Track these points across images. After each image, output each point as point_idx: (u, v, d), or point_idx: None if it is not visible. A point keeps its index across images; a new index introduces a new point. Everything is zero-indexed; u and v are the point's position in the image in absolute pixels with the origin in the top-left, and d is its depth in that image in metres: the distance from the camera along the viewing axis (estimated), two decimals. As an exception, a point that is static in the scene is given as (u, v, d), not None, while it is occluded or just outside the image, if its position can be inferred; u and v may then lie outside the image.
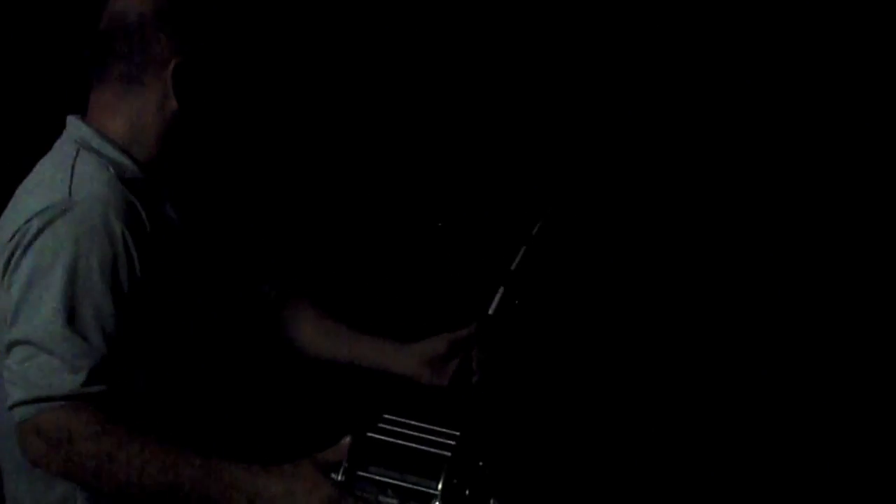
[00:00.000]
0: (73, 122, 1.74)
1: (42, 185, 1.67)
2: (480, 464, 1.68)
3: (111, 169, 1.66)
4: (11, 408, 1.55)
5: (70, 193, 1.61)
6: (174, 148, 1.72)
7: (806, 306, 2.95)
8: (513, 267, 2.05)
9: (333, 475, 1.55)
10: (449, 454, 1.60)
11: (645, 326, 2.99)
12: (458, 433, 1.67)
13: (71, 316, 1.55)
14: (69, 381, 1.53)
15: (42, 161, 1.74)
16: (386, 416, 1.70)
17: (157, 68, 1.67)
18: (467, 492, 1.63)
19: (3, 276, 1.62)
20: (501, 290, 2.04)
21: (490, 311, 2.03)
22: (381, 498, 1.56)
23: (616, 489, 2.90)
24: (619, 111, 2.96)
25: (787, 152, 2.94)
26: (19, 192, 1.72)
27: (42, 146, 1.77)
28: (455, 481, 1.59)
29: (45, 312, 1.55)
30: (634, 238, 2.99)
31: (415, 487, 1.56)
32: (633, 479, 2.92)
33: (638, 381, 2.98)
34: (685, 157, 2.97)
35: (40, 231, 1.58)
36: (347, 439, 1.57)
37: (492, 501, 1.68)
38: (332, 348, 2.06)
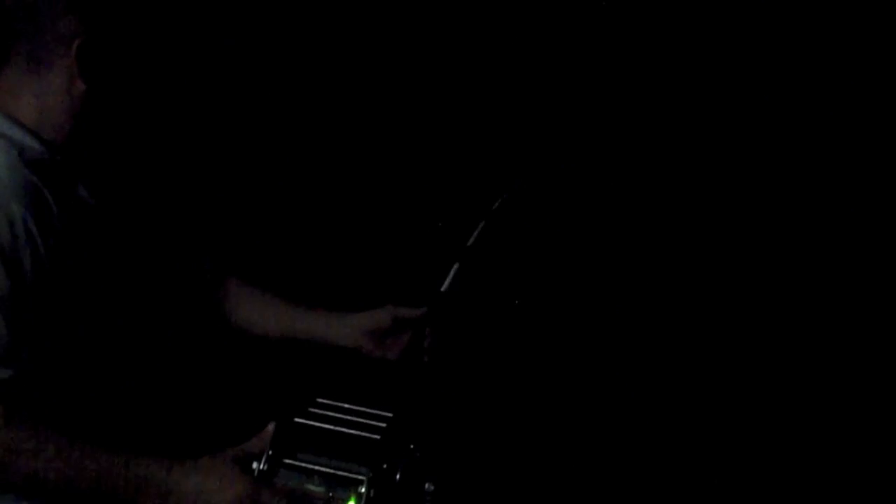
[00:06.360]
0: None
1: None
2: (412, 447, 1.63)
3: (14, 151, 1.63)
4: None
5: None
6: (85, 128, 1.69)
7: (804, 304, 2.85)
8: (469, 243, 2.00)
9: (256, 464, 1.51)
10: (378, 437, 1.55)
11: (599, 315, 2.89)
12: (390, 415, 1.62)
13: None
14: None
15: None
16: (319, 400, 1.65)
17: (62, 48, 1.64)
18: (398, 476, 1.57)
19: None
20: (456, 266, 1.99)
21: (443, 288, 1.98)
22: (307, 486, 1.51)
23: (554, 471, 2.82)
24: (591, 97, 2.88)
25: (773, 142, 2.84)
26: None
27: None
28: (385, 466, 1.54)
29: None
30: (595, 221, 2.89)
31: (342, 473, 1.51)
32: (574, 460, 2.85)
33: (585, 367, 2.89)
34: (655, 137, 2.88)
35: None
36: (271, 426, 1.53)
37: (427, 486, 1.64)
38: (272, 323, 2.03)
